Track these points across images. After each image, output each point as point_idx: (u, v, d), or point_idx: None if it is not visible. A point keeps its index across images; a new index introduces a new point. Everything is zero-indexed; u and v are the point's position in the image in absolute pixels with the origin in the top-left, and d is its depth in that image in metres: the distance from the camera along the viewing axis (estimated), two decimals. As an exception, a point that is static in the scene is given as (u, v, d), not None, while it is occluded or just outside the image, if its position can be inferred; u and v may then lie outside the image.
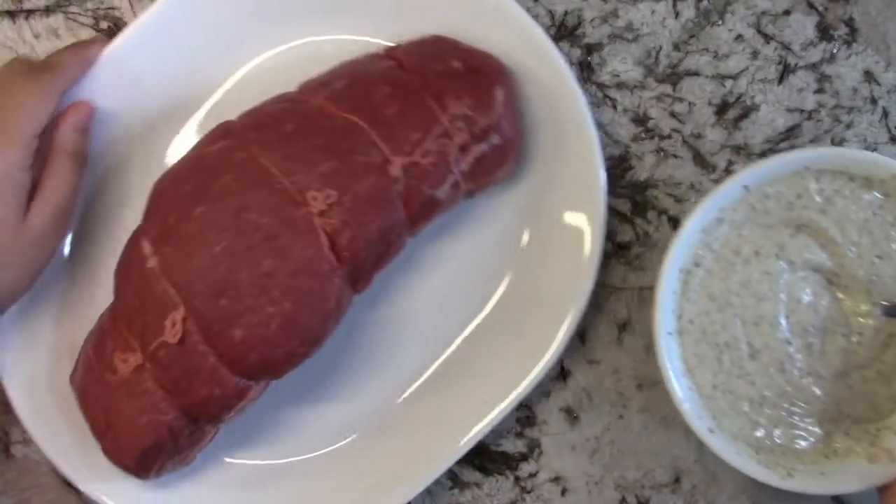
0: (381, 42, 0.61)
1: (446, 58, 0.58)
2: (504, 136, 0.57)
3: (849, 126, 0.62)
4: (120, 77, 0.60)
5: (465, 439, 0.61)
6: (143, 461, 0.57)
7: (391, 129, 0.56)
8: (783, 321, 0.57)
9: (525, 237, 0.63)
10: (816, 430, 0.57)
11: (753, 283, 0.57)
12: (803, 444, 0.57)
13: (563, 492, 0.65)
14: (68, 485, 0.65)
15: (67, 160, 0.57)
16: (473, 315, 0.63)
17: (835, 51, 0.62)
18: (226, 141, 0.56)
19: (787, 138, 0.62)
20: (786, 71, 0.62)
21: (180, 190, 0.56)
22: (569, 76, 0.59)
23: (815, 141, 0.62)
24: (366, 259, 0.56)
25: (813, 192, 0.56)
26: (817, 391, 0.57)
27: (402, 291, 0.63)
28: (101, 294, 0.61)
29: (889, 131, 0.62)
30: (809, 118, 0.62)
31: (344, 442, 0.64)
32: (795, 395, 0.57)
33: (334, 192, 0.54)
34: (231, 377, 0.55)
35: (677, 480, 0.64)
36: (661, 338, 0.56)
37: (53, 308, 0.62)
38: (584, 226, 0.60)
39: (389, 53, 0.59)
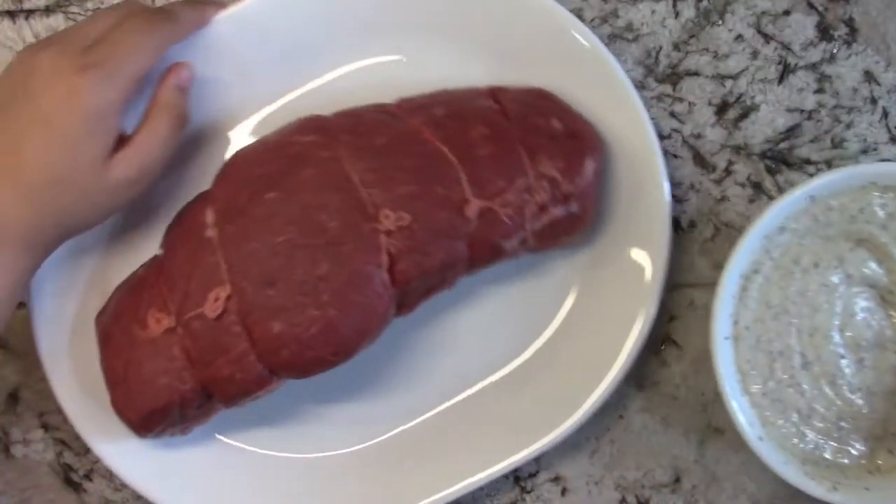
0: (479, 75, 0.61)
1: (549, 115, 0.58)
2: (583, 206, 0.58)
3: (849, 126, 0.62)
4: (220, 48, 0.60)
5: (474, 479, 0.61)
6: (147, 420, 0.57)
7: (478, 171, 0.56)
8: (836, 334, 0.57)
9: (576, 286, 0.63)
10: (861, 446, 0.57)
11: (810, 294, 0.57)
12: (847, 459, 0.57)
13: (563, 492, 0.65)
14: (68, 485, 0.65)
15: (166, 117, 0.56)
16: (517, 352, 0.63)
17: (835, 51, 0.62)
18: (316, 136, 0.56)
19: (787, 138, 0.62)
20: (786, 71, 0.62)
21: (258, 170, 0.56)
22: (654, 141, 0.59)
23: (815, 141, 0.62)
24: (417, 287, 0.56)
25: (876, 207, 0.56)
26: (865, 407, 0.57)
27: (446, 317, 0.63)
28: (146, 245, 0.61)
29: (889, 131, 0.62)
30: (809, 118, 0.62)
31: (355, 448, 0.64)
32: (844, 409, 0.57)
33: (407, 216, 0.55)
34: (257, 366, 0.56)
35: (677, 480, 0.64)
36: (718, 342, 0.56)
37: (100, 246, 0.62)
38: (647, 265, 0.60)
39: (493, 95, 0.59)
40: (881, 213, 0.56)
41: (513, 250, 0.58)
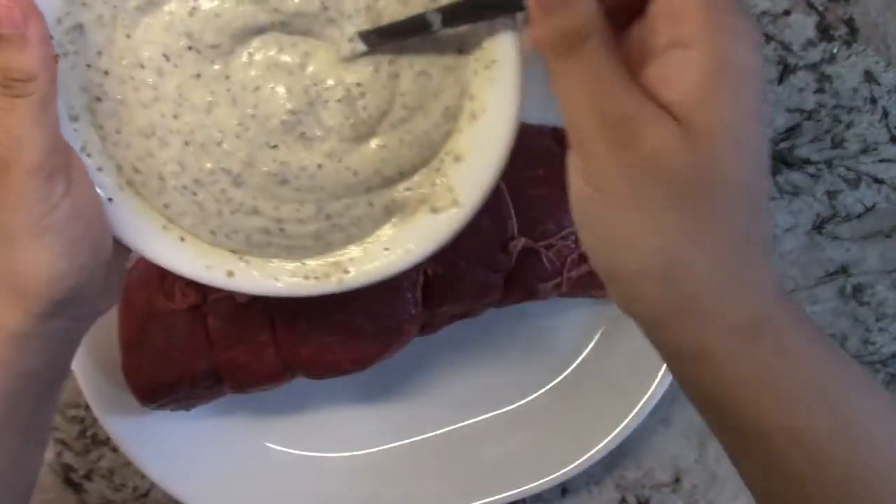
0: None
1: None
2: None
3: (849, 126, 0.62)
4: None
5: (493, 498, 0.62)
6: (154, 392, 0.57)
7: (530, 210, 0.56)
8: (252, 124, 0.44)
9: (603, 326, 0.63)
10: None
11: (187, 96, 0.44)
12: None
13: (563, 492, 0.65)
14: (68, 485, 0.65)
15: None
16: (538, 385, 0.64)
17: (835, 51, 0.62)
18: None
19: (787, 138, 0.62)
20: (786, 71, 0.62)
21: None
22: None
23: (815, 141, 0.62)
24: (446, 312, 0.57)
25: None
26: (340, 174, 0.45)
27: (468, 343, 0.63)
28: None
29: (889, 131, 0.62)
30: (809, 118, 0.62)
31: (368, 451, 0.64)
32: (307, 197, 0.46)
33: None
34: (275, 359, 0.56)
35: (677, 480, 0.64)
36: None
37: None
38: None
39: (556, 136, 0.59)
40: None
41: (545, 292, 0.58)
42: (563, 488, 0.65)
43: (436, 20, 0.40)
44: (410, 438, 0.64)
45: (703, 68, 0.32)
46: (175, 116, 0.43)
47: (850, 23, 0.62)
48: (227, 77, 0.43)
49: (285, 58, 0.43)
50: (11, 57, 0.37)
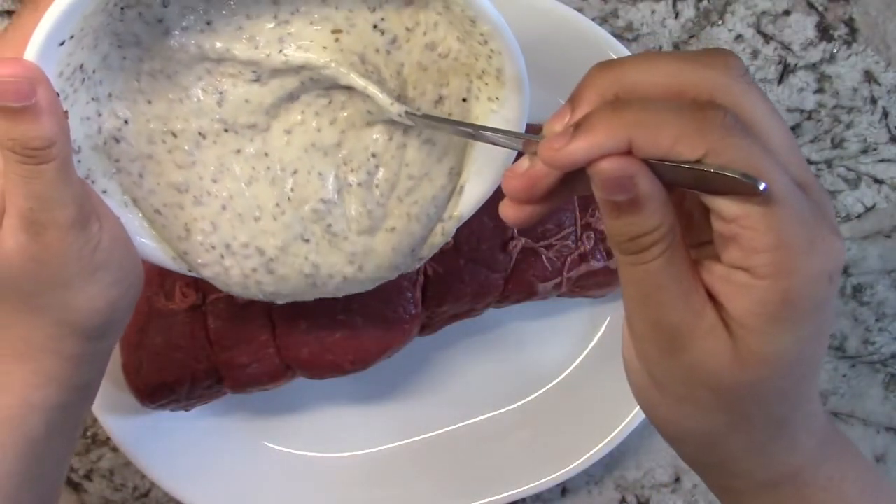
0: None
1: None
2: None
3: (849, 126, 0.62)
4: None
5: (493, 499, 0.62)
6: (154, 392, 0.57)
7: None
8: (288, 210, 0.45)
9: (603, 326, 0.63)
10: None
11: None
12: None
13: (564, 492, 0.65)
14: (68, 484, 0.65)
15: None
16: (536, 386, 0.64)
17: (835, 51, 0.62)
18: None
19: (787, 138, 0.62)
20: (786, 71, 0.62)
21: None
22: None
23: (815, 141, 0.62)
24: (446, 311, 0.57)
25: None
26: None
27: (468, 343, 0.63)
28: None
29: (889, 131, 0.62)
30: (809, 118, 0.62)
31: (359, 452, 0.64)
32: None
33: (451, 240, 0.55)
34: (275, 359, 0.56)
35: (677, 480, 0.64)
36: None
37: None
38: None
39: None
40: None
41: (545, 292, 0.58)
42: (563, 488, 0.65)
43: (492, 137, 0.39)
44: (410, 438, 0.64)
45: (768, 306, 0.31)
46: (214, 181, 0.44)
47: (850, 23, 0.62)
48: (267, 154, 0.44)
49: (323, 135, 0.44)
50: (27, 129, 0.36)
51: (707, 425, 0.35)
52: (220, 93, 0.43)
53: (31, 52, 0.37)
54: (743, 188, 0.30)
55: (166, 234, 0.45)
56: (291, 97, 0.43)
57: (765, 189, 0.30)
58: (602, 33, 0.58)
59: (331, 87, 0.43)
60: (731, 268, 0.32)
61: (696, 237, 0.35)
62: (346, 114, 0.44)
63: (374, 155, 0.44)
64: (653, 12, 0.62)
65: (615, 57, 0.57)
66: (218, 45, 0.42)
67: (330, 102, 0.43)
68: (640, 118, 0.31)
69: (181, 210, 0.44)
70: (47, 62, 0.37)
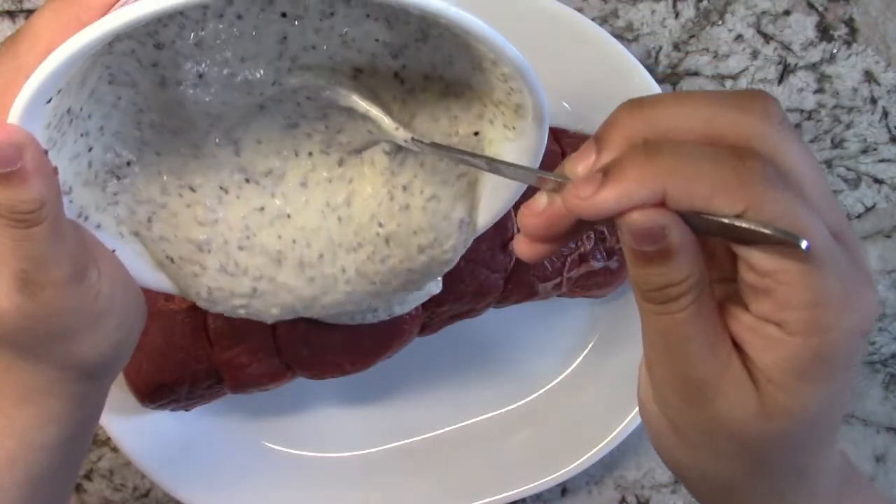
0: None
1: None
2: (622, 263, 0.58)
3: (849, 126, 0.62)
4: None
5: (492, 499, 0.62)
6: (154, 392, 0.57)
7: None
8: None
9: (603, 325, 0.63)
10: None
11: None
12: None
13: (563, 492, 0.65)
14: (68, 485, 0.65)
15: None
16: (537, 385, 0.64)
17: (835, 51, 0.62)
18: None
19: (787, 138, 0.62)
20: (786, 71, 0.62)
21: None
22: None
23: (815, 141, 0.62)
24: (446, 312, 0.57)
25: None
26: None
27: (468, 343, 0.63)
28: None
29: (889, 131, 0.62)
30: (809, 118, 0.62)
31: (356, 453, 0.64)
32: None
33: None
34: (275, 359, 0.56)
35: (677, 480, 0.64)
36: None
37: None
38: None
39: (555, 136, 0.59)
40: None
41: (545, 292, 0.58)
42: (563, 488, 0.65)
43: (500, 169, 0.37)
44: (410, 438, 0.64)
45: (798, 362, 0.30)
46: (241, 248, 0.43)
47: (850, 23, 0.62)
48: (290, 216, 0.43)
49: (335, 188, 0.43)
50: (14, 194, 0.34)
51: (726, 472, 0.34)
52: (235, 142, 0.42)
53: (14, 115, 0.34)
54: (781, 243, 0.29)
55: (175, 277, 0.44)
56: (291, 124, 0.42)
57: (808, 247, 0.28)
58: (602, 33, 0.58)
59: (327, 106, 0.42)
60: (761, 320, 0.30)
61: (718, 274, 0.33)
62: (345, 139, 0.42)
63: (380, 224, 0.44)
64: (653, 12, 0.62)
65: (615, 53, 0.58)
66: (215, 100, 0.40)
67: (326, 128, 0.42)
68: (675, 167, 0.29)
69: (203, 271, 0.43)
70: (33, 121, 0.35)
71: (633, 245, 0.30)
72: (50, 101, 0.35)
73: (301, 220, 0.43)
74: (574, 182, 0.30)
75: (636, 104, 0.31)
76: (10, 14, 0.63)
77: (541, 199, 0.33)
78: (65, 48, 0.32)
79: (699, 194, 0.28)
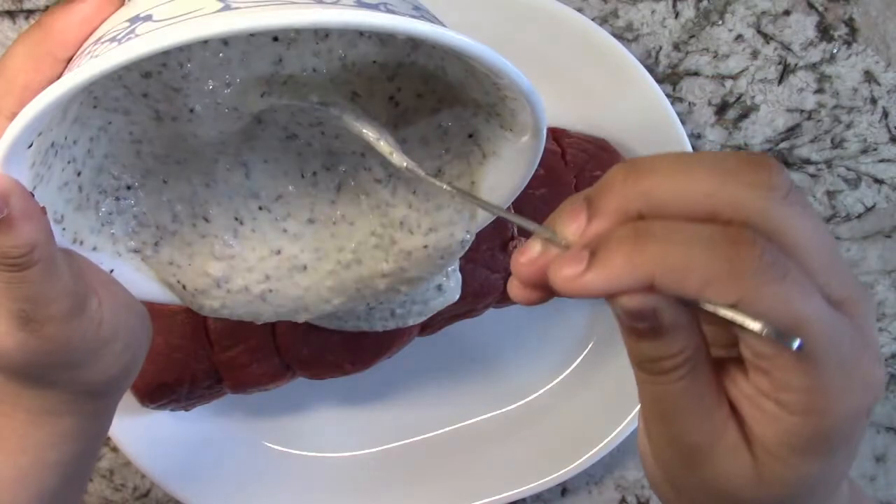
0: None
1: (605, 168, 0.58)
2: None
3: (849, 126, 0.62)
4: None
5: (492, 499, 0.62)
6: (155, 392, 0.57)
7: (528, 209, 0.56)
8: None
9: (603, 325, 0.63)
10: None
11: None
12: None
13: (563, 492, 0.65)
14: (68, 485, 0.65)
15: None
16: (537, 385, 0.64)
17: (835, 51, 0.62)
18: None
19: (787, 138, 0.62)
20: (786, 71, 0.62)
21: None
22: None
23: (815, 141, 0.62)
24: (445, 312, 0.57)
25: None
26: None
27: (467, 342, 0.63)
28: None
29: (889, 131, 0.62)
30: (809, 118, 0.62)
31: (355, 453, 0.64)
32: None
33: None
34: (275, 359, 0.56)
35: (677, 480, 0.64)
36: None
37: None
38: None
39: (555, 136, 0.59)
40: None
41: None
42: (563, 488, 0.65)
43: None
44: (410, 438, 0.64)
45: (796, 438, 0.29)
46: (264, 300, 0.44)
47: (850, 23, 0.62)
48: (306, 268, 0.44)
49: (342, 239, 0.43)
50: (3, 241, 0.34)
51: None
52: (245, 164, 0.41)
53: None
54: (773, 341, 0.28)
55: (178, 293, 0.44)
56: (290, 135, 0.42)
57: (799, 346, 0.27)
58: (602, 33, 0.58)
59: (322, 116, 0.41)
60: (759, 393, 0.30)
61: (719, 338, 0.32)
62: (339, 145, 0.42)
63: (384, 276, 0.44)
64: (653, 12, 0.62)
65: (615, 53, 0.58)
66: (212, 131, 0.39)
67: (323, 134, 0.42)
68: (665, 256, 0.27)
69: (219, 307, 0.44)
70: (16, 166, 0.34)
71: (625, 321, 0.29)
72: (31, 145, 0.34)
73: (317, 275, 0.43)
74: (559, 258, 0.29)
75: (633, 169, 0.29)
76: (10, 14, 0.63)
77: (535, 248, 0.31)
78: (40, 100, 0.31)
79: (690, 286, 0.27)
